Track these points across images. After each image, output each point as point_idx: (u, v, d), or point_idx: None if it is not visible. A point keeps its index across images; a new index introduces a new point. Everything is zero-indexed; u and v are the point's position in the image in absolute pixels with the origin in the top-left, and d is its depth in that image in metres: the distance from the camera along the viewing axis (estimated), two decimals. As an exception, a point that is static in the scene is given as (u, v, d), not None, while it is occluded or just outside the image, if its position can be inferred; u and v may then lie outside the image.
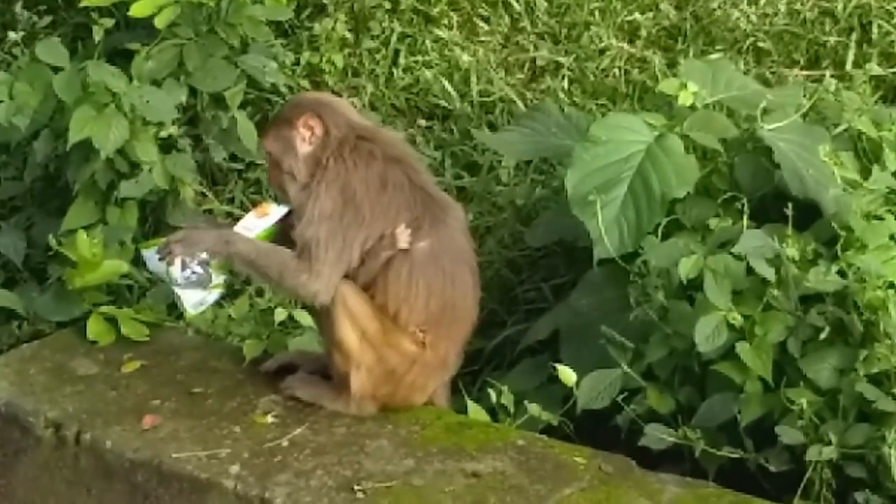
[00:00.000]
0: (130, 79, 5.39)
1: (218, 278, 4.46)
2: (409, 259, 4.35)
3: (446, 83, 6.50)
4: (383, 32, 6.64)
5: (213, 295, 4.50)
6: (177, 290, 4.47)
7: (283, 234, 4.46)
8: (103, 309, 4.96)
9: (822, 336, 4.44)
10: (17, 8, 6.27)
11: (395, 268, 4.35)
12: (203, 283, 4.45)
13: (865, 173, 4.84)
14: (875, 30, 6.32)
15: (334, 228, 4.31)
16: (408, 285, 4.34)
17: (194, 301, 4.49)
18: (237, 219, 5.86)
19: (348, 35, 6.57)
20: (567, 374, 4.56)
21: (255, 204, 4.89)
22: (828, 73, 6.10)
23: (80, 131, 5.24)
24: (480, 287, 4.54)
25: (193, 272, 4.43)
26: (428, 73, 6.52)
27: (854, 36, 6.32)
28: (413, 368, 4.40)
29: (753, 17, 6.45)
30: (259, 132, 4.49)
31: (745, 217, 4.79)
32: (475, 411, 4.60)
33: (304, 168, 4.40)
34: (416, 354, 4.39)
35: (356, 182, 4.34)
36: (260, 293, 5.40)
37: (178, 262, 4.41)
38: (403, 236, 4.35)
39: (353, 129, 4.42)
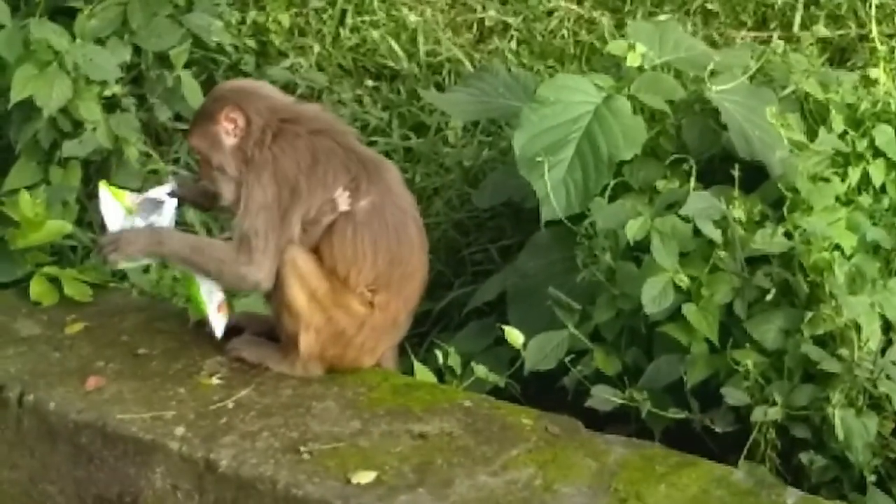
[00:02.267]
0: (73, 37, 5.32)
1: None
2: (351, 220, 4.33)
3: (393, 43, 6.47)
4: (330, -9, 6.60)
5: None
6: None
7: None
8: (46, 269, 4.91)
9: (768, 297, 4.45)
10: (-43, -36, 6.18)
11: (339, 230, 4.33)
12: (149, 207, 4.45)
13: (812, 135, 4.84)
14: (822, -9, 6.34)
15: (271, 216, 4.29)
16: (353, 244, 4.33)
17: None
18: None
19: (295, -6, 6.54)
20: (514, 335, 4.56)
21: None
22: (775, 34, 6.13)
23: (22, 90, 5.17)
24: (428, 249, 4.52)
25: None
26: (375, 34, 6.49)
27: (801, -2, 6.34)
28: (363, 330, 4.38)
29: (701, -21, 6.46)
30: (188, 129, 4.46)
31: (692, 179, 4.80)
32: (422, 373, 4.59)
33: (232, 161, 4.37)
34: (366, 315, 4.38)
35: (286, 165, 4.32)
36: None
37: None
38: (343, 199, 4.34)
39: (275, 113, 4.38)
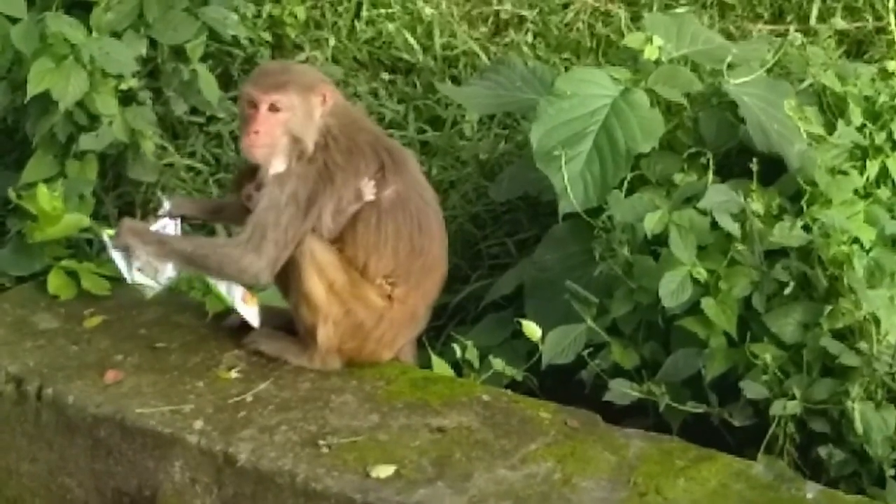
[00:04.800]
0: (90, 30, 5.32)
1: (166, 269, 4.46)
2: (376, 208, 4.34)
3: (409, 36, 6.46)
4: (346, -16, 6.59)
5: (165, 280, 4.48)
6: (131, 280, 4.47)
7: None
8: (64, 263, 4.92)
9: (787, 291, 4.45)
10: (-27, -42, 6.18)
11: (363, 218, 4.33)
12: (152, 271, 4.45)
13: (830, 128, 4.84)
14: (839, -16, 6.32)
15: (297, 211, 4.27)
16: (377, 232, 4.33)
17: (149, 287, 4.48)
18: (198, 173, 5.89)
19: (310, -13, 6.53)
20: (532, 329, 4.55)
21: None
22: (792, 27, 6.11)
23: (39, 83, 5.17)
24: (447, 243, 4.52)
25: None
26: (391, 26, 6.48)
27: (818, -10, 6.32)
28: (381, 323, 4.39)
29: (717, -29, 6.44)
30: (272, 83, 4.33)
31: (709, 172, 4.80)
32: (440, 366, 4.60)
33: (310, 140, 4.32)
34: (385, 308, 4.38)
35: (331, 162, 4.31)
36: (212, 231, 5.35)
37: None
38: (368, 189, 4.34)
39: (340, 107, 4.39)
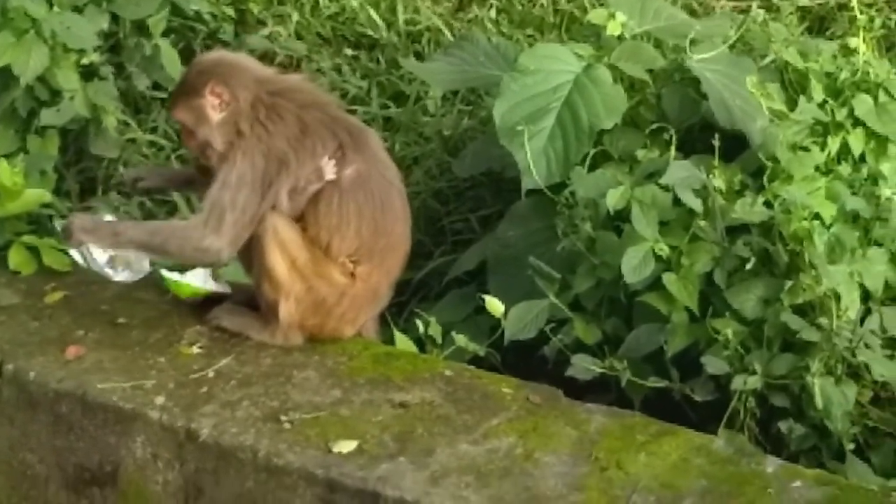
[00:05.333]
0: (51, 5, 5.27)
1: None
2: (337, 187, 4.33)
3: (373, 12, 6.44)
4: (309, -41, 6.56)
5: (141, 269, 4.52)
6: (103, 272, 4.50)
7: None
8: (25, 239, 4.89)
9: (748, 267, 4.46)
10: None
11: (325, 198, 4.33)
12: (124, 262, 4.48)
13: (792, 104, 4.85)
14: (802, -40, 6.33)
15: (253, 191, 4.28)
16: (338, 212, 4.33)
17: (123, 278, 4.51)
18: (160, 148, 5.86)
19: (274, -39, 6.50)
20: (494, 304, 4.56)
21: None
22: (755, 3, 6.11)
23: (0, 58, 5.14)
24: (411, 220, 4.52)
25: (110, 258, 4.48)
26: (354, 2, 6.46)
27: (780, -34, 6.32)
28: (343, 300, 4.38)
29: (681, -53, 6.44)
30: (170, 103, 4.48)
31: (672, 148, 4.80)
32: (402, 342, 4.60)
33: (219, 135, 4.35)
34: (346, 286, 4.38)
35: (278, 140, 4.31)
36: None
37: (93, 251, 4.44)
38: (329, 167, 4.33)
39: (262, 86, 4.37)
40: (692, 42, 5.07)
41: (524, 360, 4.71)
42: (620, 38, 5.10)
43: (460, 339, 4.58)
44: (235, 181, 4.29)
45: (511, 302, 4.65)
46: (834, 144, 4.82)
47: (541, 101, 5.00)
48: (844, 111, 4.84)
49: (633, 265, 4.53)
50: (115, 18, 5.64)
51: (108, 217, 4.59)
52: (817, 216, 4.55)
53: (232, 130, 4.33)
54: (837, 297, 4.36)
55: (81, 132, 5.52)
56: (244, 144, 4.31)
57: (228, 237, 4.29)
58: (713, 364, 4.34)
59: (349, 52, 6.38)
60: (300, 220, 4.34)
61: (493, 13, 6.39)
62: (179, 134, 4.54)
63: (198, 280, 4.54)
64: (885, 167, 4.76)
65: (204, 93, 4.35)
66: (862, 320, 4.38)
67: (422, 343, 4.61)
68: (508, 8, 6.41)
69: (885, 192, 4.62)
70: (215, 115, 4.35)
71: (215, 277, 4.58)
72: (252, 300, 4.47)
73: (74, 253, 4.47)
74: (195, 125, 4.37)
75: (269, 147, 4.30)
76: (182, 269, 4.55)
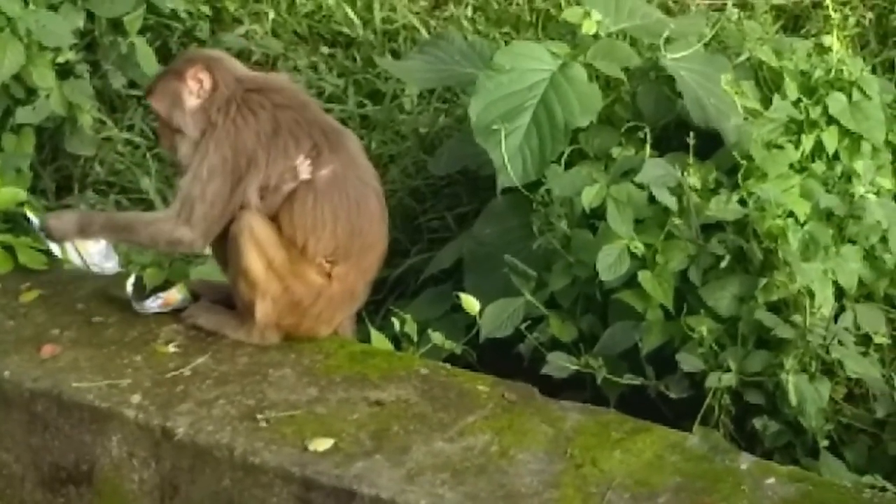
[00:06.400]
0: (26, 2, 5.28)
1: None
2: (312, 188, 4.32)
3: (349, 10, 6.45)
4: (285, -43, 6.56)
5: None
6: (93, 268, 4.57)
7: None
8: (0, 237, 4.88)
9: (723, 264, 4.48)
10: None
11: (299, 198, 4.32)
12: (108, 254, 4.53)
13: (766, 103, 4.87)
14: (776, -41, 6.35)
15: (223, 184, 4.30)
16: (313, 213, 4.33)
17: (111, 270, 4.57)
18: (136, 147, 5.86)
19: (250, -41, 6.50)
20: (470, 302, 4.57)
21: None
22: (729, 2, 6.13)
23: (-25, 56, 5.14)
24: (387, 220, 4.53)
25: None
26: (330, 0, 6.46)
27: (755, -35, 6.34)
28: (319, 300, 4.38)
29: (656, -54, 6.46)
30: (147, 88, 4.50)
31: (647, 146, 4.83)
32: (378, 340, 4.60)
33: (191, 122, 4.36)
34: (323, 286, 4.38)
35: (248, 136, 4.32)
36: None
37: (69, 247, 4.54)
38: (304, 167, 4.33)
39: (241, 84, 4.38)
40: (667, 40, 5.10)
41: (500, 358, 4.72)
42: (596, 36, 5.12)
43: (436, 337, 4.58)
44: (206, 174, 4.30)
45: (487, 300, 4.66)
46: (808, 142, 4.84)
47: (516, 99, 5.01)
48: (818, 109, 4.87)
49: (609, 263, 4.55)
50: (90, 16, 5.64)
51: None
52: (791, 214, 4.57)
53: (205, 119, 4.34)
54: (811, 295, 4.38)
55: (57, 130, 5.52)
56: (216, 136, 4.32)
57: (200, 229, 4.32)
58: (688, 361, 4.36)
59: (325, 50, 6.38)
60: (276, 220, 4.34)
61: (469, 11, 6.40)
62: (156, 132, 4.52)
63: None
64: (858, 165, 4.78)
65: (185, 76, 4.35)
66: (836, 317, 4.41)
67: (398, 341, 4.61)
68: (484, 6, 6.42)
69: (859, 189, 4.65)
70: (191, 100, 4.35)
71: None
72: (228, 299, 4.47)
73: (55, 247, 4.48)
74: (170, 110, 4.37)
75: (238, 141, 4.31)
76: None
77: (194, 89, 4.35)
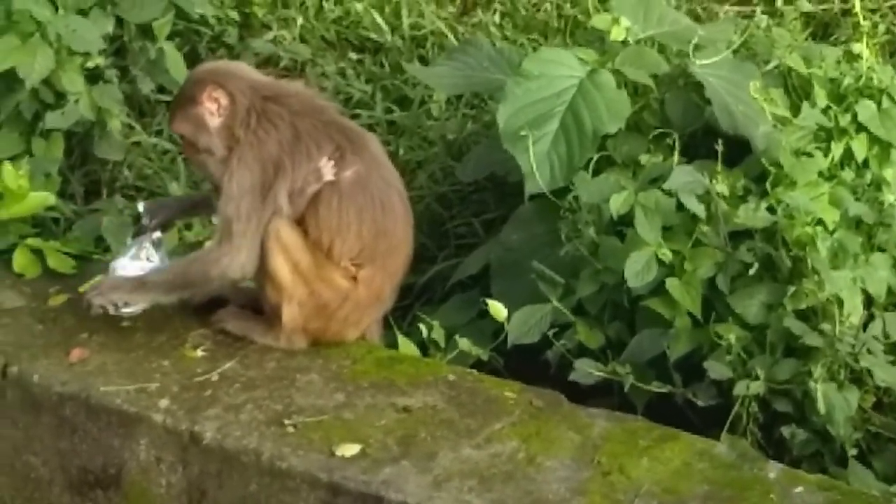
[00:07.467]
0: (56, 8, 5.28)
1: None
2: (337, 189, 4.34)
3: (377, 16, 6.46)
4: (313, -37, 6.57)
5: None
6: None
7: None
8: (29, 241, 4.90)
9: (751, 272, 4.47)
10: (-63, -66, 6.13)
11: (324, 200, 4.34)
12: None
13: (795, 110, 4.86)
14: (805, -34, 6.33)
15: (254, 198, 4.30)
16: (338, 214, 4.34)
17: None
18: (165, 152, 5.87)
19: (278, -35, 6.51)
20: (497, 309, 4.57)
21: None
22: (758, 9, 6.12)
23: (5, 61, 5.13)
24: (413, 222, 4.52)
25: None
26: (359, 6, 6.48)
27: (784, -28, 6.34)
28: (346, 304, 4.39)
29: (685, -48, 6.46)
30: (169, 118, 4.53)
31: (675, 153, 4.82)
32: (406, 346, 4.60)
33: (219, 142, 4.37)
34: (349, 290, 4.39)
35: (271, 146, 4.33)
36: (189, 226, 5.36)
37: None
38: (328, 168, 4.34)
39: (257, 92, 4.39)
40: (696, 47, 5.09)
41: (527, 365, 4.71)
42: (624, 42, 5.11)
43: (463, 343, 4.59)
44: (237, 191, 4.31)
45: (514, 306, 4.66)
46: (837, 150, 4.83)
47: (544, 105, 5.01)
48: (848, 117, 4.85)
49: (637, 270, 4.54)
50: (119, 22, 5.64)
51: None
52: (820, 222, 4.55)
53: (230, 135, 4.35)
54: (840, 303, 4.37)
55: (86, 135, 5.53)
56: (240, 151, 4.33)
57: (244, 250, 4.31)
58: (716, 369, 4.35)
59: (353, 55, 6.39)
60: (301, 223, 4.35)
61: (497, 17, 6.40)
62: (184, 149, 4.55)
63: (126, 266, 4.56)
64: (888, 173, 4.77)
65: (201, 99, 4.36)
66: (865, 326, 4.40)
67: (425, 347, 4.62)
68: (512, 12, 6.42)
69: (889, 197, 4.64)
70: (214, 121, 4.37)
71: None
72: (256, 303, 4.48)
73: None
74: (195, 135, 4.39)
75: (263, 153, 4.32)
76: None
77: (214, 110, 4.36)
